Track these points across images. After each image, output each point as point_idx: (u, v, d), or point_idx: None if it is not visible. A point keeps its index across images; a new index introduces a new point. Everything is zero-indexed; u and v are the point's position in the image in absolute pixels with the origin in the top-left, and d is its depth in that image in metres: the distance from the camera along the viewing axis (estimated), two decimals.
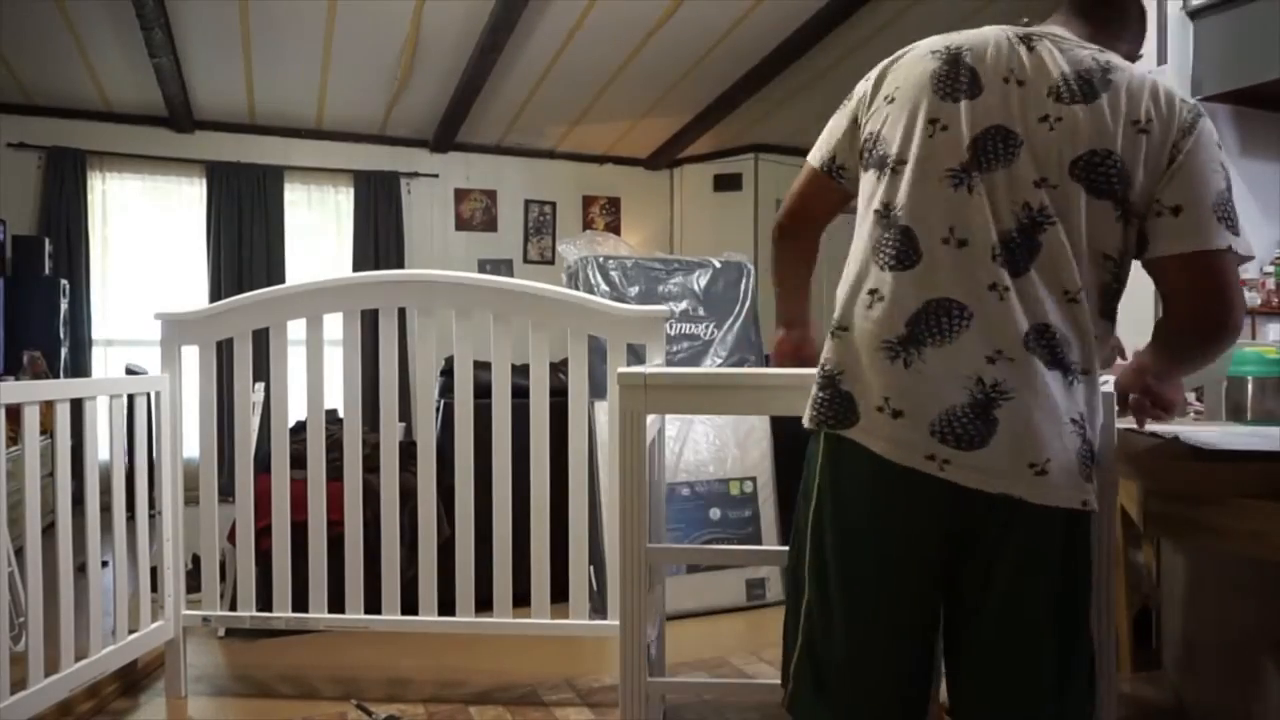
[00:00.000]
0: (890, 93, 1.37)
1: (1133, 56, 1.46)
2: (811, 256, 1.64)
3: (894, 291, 1.28)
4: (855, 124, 1.44)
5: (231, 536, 2.90)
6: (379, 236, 6.65)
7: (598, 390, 3.14)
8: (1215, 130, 1.30)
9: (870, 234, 1.34)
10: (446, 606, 2.68)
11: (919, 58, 1.37)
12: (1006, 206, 1.25)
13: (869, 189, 1.37)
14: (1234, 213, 1.27)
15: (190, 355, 2.73)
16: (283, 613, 2.70)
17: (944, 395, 1.23)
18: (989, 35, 1.35)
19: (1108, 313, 1.31)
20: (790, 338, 1.76)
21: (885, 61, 1.43)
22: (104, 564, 2.49)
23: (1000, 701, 1.29)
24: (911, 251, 1.28)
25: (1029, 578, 1.26)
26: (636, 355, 2.78)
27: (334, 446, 2.76)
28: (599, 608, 3.10)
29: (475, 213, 7.08)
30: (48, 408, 2.33)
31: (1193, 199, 1.25)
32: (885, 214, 1.32)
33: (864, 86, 1.44)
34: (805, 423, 1.37)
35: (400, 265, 6.57)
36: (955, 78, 1.31)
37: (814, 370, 1.37)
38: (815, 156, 1.51)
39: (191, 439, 2.76)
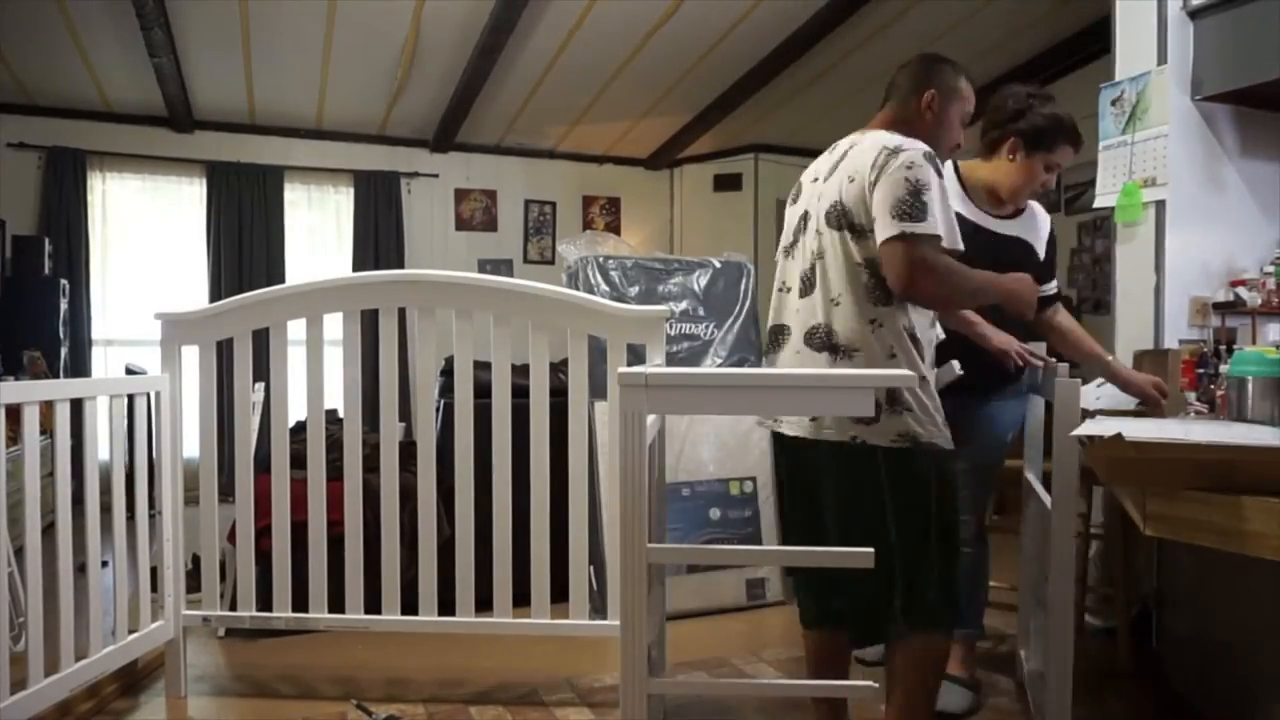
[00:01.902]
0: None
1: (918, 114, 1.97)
2: None
3: None
4: None
5: (231, 536, 2.90)
6: (379, 236, 6.65)
7: (598, 390, 3.14)
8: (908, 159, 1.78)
9: None
10: (446, 606, 2.68)
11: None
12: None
13: None
14: (917, 210, 1.75)
15: (190, 355, 2.73)
16: (283, 613, 2.70)
17: None
18: (824, 158, 2.02)
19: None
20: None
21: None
22: (104, 564, 2.49)
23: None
24: None
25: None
26: (636, 355, 2.77)
27: (334, 446, 2.76)
28: (599, 608, 3.09)
29: (475, 213, 7.08)
30: (47, 408, 2.33)
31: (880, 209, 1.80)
32: None
33: None
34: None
35: (400, 265, 6.56)
36: (795, 192, 2.09)
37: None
38: None
39: (191, 439, 2.76)
